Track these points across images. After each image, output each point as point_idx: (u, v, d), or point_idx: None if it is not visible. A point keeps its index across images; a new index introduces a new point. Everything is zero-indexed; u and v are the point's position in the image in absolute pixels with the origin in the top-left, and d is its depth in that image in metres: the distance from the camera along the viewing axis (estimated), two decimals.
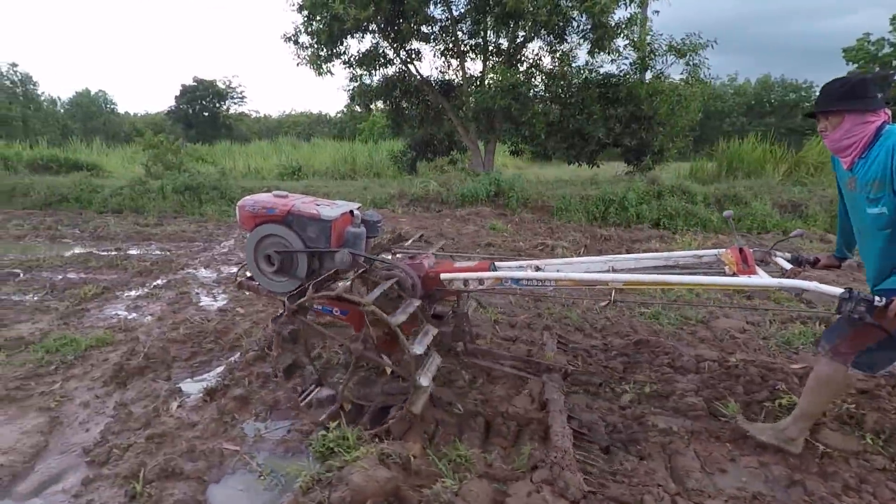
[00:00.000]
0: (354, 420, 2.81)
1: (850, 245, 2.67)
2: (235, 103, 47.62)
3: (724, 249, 2.71)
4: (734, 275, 2.53)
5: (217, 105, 46.21)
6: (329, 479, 2.26)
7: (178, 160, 15.80)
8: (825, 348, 2.43)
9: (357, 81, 14.82)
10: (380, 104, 15.60)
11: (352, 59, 14.02)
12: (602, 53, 12.85)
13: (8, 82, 40.02)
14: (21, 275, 6.37)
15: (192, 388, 3.44)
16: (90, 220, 11.01)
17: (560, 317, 4.78)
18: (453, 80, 15.30)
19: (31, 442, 2.83)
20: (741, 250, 2.54)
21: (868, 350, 2.36)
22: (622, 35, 12.34)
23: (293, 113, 51.42)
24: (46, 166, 16.47)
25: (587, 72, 13.81)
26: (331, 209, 3.01)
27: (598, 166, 15.77)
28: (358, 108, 16.21)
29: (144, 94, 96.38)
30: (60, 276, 6.31)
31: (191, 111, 44.69)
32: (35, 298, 5.40)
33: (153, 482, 2.43)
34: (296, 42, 13.32)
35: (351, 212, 3.13)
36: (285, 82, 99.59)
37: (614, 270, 2.79)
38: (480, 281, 2.84)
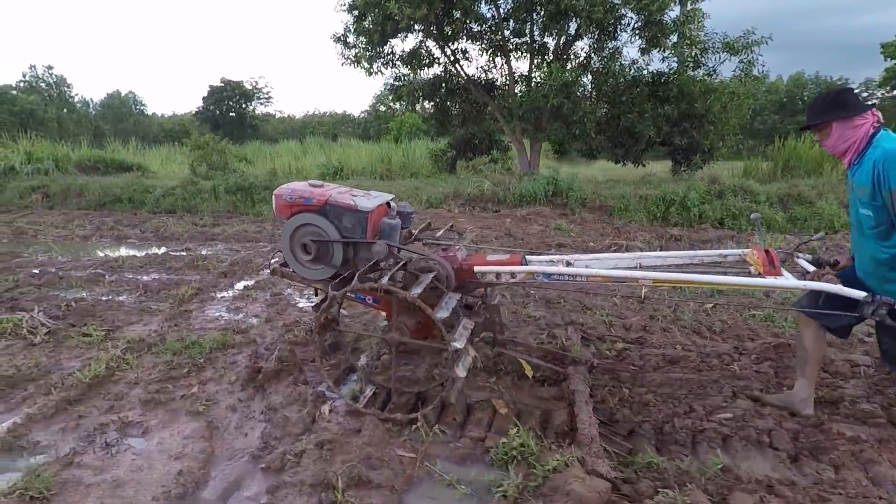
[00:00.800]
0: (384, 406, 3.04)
1: None
2: (262, 104, 48.12)
3: (747, 249, 2.78)
4: (759, 275, 2.60)
5: (244, 106, 46.69)
6: (540, 490, 2.19)
7: (222, 161, 15.92)
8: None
9: (402, 81, 14.81)
10: (424, 104, 15.50)
11: (397, 58, 13.99)
12: (654, 51, 12.63)
13: (44, 84, 40.91)
14: (106, 276, 6.42)
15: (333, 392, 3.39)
16: (147, 221, 11.13)
17: (674, 318, 4.66)
18: (496, 80, 15.21)
19: (197, 447, 2.80)
20: (767, 252, 2.62)
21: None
22: (677, 32, 12.11)
23: (317, 113, 51.69)
24: (94, 167, 16.73)
25: (635, 69, 13.61)
26: (367, 200, 3.04)
27: (643, 165, 15.54)
28: (400, 107, 16.16)
29: (171, 95, 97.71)
30: (147, 277, 6.35)
31: (218, 112, 45.21)
32: (131, 299, 5.42)
33: (346, 491, 2.38)
34: (344, 42, 13.32)
35: (388, 203, 3.18)
36: (308, 82, 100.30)
37: (641, 267, 2.86)
38: (512, 274, 2.90)
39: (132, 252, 8.00)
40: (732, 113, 13.55)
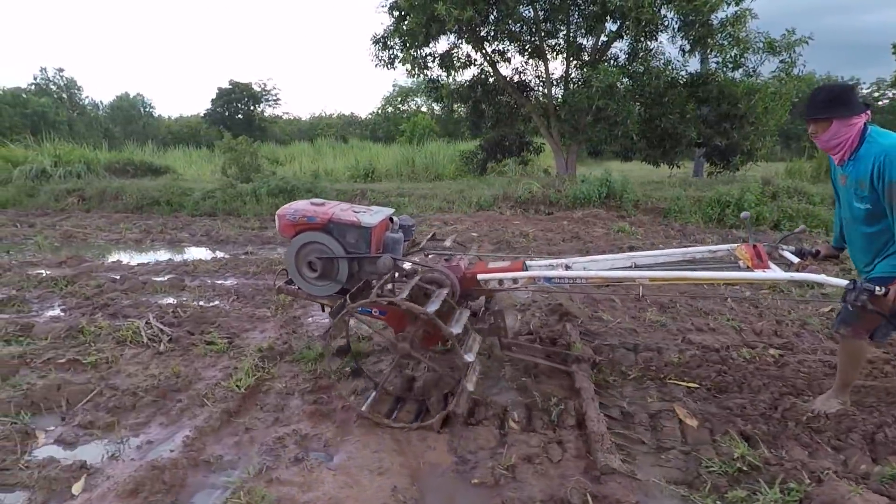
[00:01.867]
0: (390, 413, 3.06)
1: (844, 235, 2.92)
2: (270, 105, 47.99)
3: (736, 245, 2.90)
4: (748, 269, 2.71)
5: (251, 108, 46.59)
6: None
7: (254, 163, 15.81)
8: (847, 332, 2.73)
9: (440, 82, 14.74)
10: (459, 105, 15.42)
11: (432, 60, 13.90)
12: (696, 52, 12.56)
13: (54, 87, 40.78)
14: (186, 280, 6.31)
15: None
16: (190, 224, 11.02)
17: (802, 323, 4.55)
18: (530, 81, 15.15)
19: (396, 462, 2.67)
20: (755, 247, 2.74)
21: (876, 328, 2.68)
22: (724, 32, 12.03)
23: (323, 115, 51.57)
24: (124, 169, 16.60)
25: (672, 70, 13.54)
26: (370, 216, 3.14)
27: (678, 167, 15.48)
28: (438, 109, 16.05)
29: (177, 96, 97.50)
30: (230, 282, 6.23)
31: (226, 113, 45.08)
32: (230, 305, 5.31)
33: None
34: (384, 44, 13.22)
35: (390, 218, 3.29)
36: (312, 84, 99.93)
37: (636, 266, 2.96)
38: (515, 280, 3.02)
39: (197, 256, 7.88)
40: (773, 114, 13.50)
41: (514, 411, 3.06)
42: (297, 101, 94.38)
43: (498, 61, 14.18)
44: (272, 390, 3.45)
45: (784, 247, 2.97)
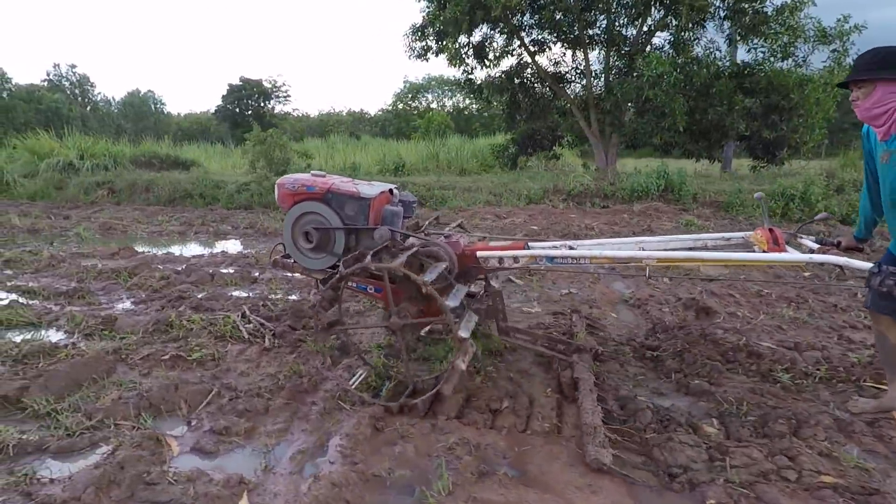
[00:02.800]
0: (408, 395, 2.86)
1: (871, 225, 2.71)
2: (280, 102, 47.67)
3: (751, 232, 2.77)
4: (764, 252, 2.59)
5: (262, 104, 46.28)
6: None
7: (283, 156, 15.45)
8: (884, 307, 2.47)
9: (471, 74, 14.37)
10: (495, 98, 15.03)
11: (466, 51, 13.52)
12: (750, 40, 12.14)
13: (67, 83, 40.56)
14: (255, 273, 5.95)
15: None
16: (229, 216, 10.68)
17: None
18: (565, 73, 14.76)
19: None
20: (771, 230, 2.63)
21: None
22: (779, 20, 11.61)
23: (333, 112, 51.26)
24: (149, 162, 16.27)
25: (718, 60, 13.12)
26: (370, 188, 3.05)
27: (718, 161, 15.06)
28: (473, 102, 15.65)
29: (187, 93, 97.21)
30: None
31: (237, 110, 44.80)
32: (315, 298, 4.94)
33: None
34: (422, 33, 12.84)
35: (390, 190, 3.18)
36: (320, 80, 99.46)
37: (644, 251, 2.82)
38: (515, 259, 2.90)
39: (250, 249, 7.51)
40: (822, 105, 13.06)
41: (711, 418, 2.68)
42: (305, 97, 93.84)
43: (536, 52, 13.79)
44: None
45: (803, 235, 2.82)
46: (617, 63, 13.75)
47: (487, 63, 13.59)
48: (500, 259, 2.96)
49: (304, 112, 51.50)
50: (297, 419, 2.80)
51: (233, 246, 7.92)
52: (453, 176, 15.86)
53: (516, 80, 14.21)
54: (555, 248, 2.99)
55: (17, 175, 14.33)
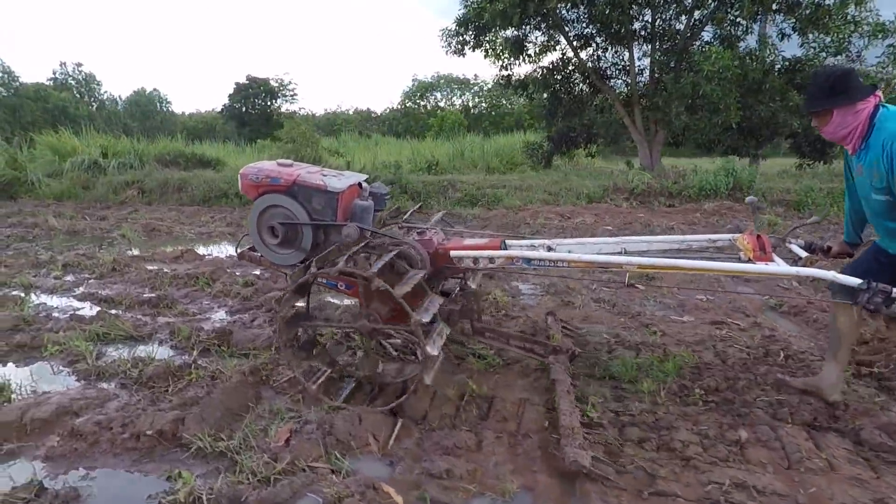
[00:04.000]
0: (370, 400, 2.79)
1: (859, 229, 2.68)
2: (287, 101, 47.16)
3: (738, 234, 2.66)
4: (749, 261, 2.51)
5: (269, 103, 45.78)
6: None
7: (314, 154, 15.01)
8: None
9: (505, 71, 13.96)
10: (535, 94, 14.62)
11: (504, 46, 13.11)
12: (809, 34, 11.75)
13: (73, 82, 40.00)
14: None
15: None
16: None
17: None
18: (607, 68, 14.36)
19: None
20: (759, 237, 2.53)
21: None
22: (840, 13, 11.23)
23: (339, 110, 50.81)
24: (174, 161, 15.76)
25: (771, 55, 12.73)
26: (338, 180, 2.90)
27: (764, 159, 14.68)
28: (508, 97, 15.19)
29: (191, 92, 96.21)
30: None
31: (244, 109, 44.29)
32: None
33: None
34: (467, 26, 12.40)
35: (359, 184, 3.02)
36: (324, 79, 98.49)
37: (626, 252, 2.75)
38: (491, 259, 2.79)
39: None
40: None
41: None
42: (310, 96, 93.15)
43: (580, 47, 13.38)
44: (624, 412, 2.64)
45: (792, 240, 2.71)
46: (662, 58, 13.32)
47: (528, 58, 13.15)
48: (475, 259, 2.82)
49: (310, 111, 51.04)
50: (514, 457, 2.37)
51: None
52: (480, 174, 15.42)
53: (558, 76, 13.78)
54: (533, 248, 2.88)
55: (40, 174, 13.84)
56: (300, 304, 2.91)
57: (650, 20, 13.26)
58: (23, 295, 5.14)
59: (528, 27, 13.01)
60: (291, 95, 47.66)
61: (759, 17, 12.01)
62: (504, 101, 45.33)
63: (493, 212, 9.81)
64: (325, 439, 2.43)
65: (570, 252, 2.79)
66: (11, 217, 10.66)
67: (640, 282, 5.12)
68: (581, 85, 14.27)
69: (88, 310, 4.77)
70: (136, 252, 7.13)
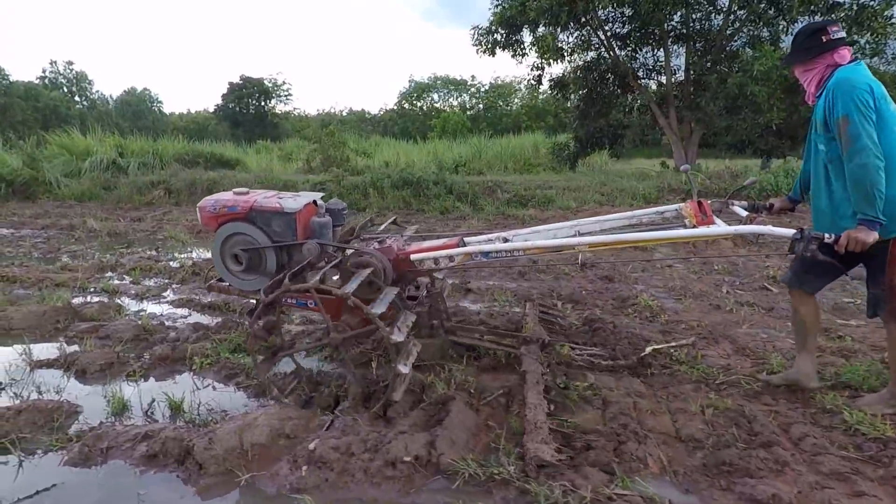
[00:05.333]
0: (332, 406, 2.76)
1: (805, 188, 2.73)
2: (282, 101, 46.53)
3: (683, 204, 2.73)
4: (694, 227, 2.61)
5: (263, 103, 45.13)
6: None
7: (340, 155, 14.68)
8: (884, 315, 2.41)
9: (540, 68, 13.77)
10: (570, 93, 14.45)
11: (531, 45, 12.92)
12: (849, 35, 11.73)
13: (64, 80, 38.96)
14: (452, 281, 5.23)
15: None
16: None
17: None
18: (638, 68, 14.26)
19: None
20: (700, 203, 2.63)
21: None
22: (882, 15, 11.24)
23: (333, 111, 50.33)
24: (193, 161, 15.30)
25: None
26: (293, 201, 2.97)
27: (799, 159, 14.69)
28: (552, 95, 15.00)
29: (182, 92, 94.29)
30: (513, 284, 5.18)
31: (238, 109, 43.58)
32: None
33: None
34: (509, 25, 12.18)
35: (314, 202, 3.09)
36: (316, 80, 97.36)
37: (580, 233, 2.81)
38: (451, 258, 2.82)
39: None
40: None
41: None
42: (302, 96, 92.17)
43: (618, 47, 13.25)
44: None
45: (735, 202, 2.82)
46: (698, 58, 13.25)
47: (562, 58, 12.98)
48: (436, 260, 2.85)
49: (304, 111, 50.46)
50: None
51: None
52: (510, 175, 15.22)
53: (594, 75, 13.64)
54: (490, 241, 2.93)
55: (58, 174, 13.29)
56: (274, 336, 2.85)
57: (684, 20, 13.17)
58: (116, 301, 4.78)
59: (563, 26, 12.85)
60: (286, 96, 47.13)
61: (803, 17, 11.96)
62: (500, 103, 45.37)
63: (548, 213, 9.58)
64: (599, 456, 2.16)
65: (525, 241, 2.83)
66: (40, 219, 10.18)
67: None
68: (612, 85, 14.13)
69: (199, 317, 4.44)
70: (205, 254, 6.79)
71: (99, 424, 2.65)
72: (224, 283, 3.19)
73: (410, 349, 2.65)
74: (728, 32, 12.98)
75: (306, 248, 2.83)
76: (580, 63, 13.64)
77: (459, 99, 47.91)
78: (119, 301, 4.82)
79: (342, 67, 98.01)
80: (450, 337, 3.30)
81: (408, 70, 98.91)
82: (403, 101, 47.36)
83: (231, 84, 43.50)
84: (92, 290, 5.32)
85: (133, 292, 5.16)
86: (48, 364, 3.43)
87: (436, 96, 48.82)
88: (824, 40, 2.35)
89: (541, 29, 12.36)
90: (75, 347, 3.69)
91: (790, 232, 2.19)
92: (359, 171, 13.67)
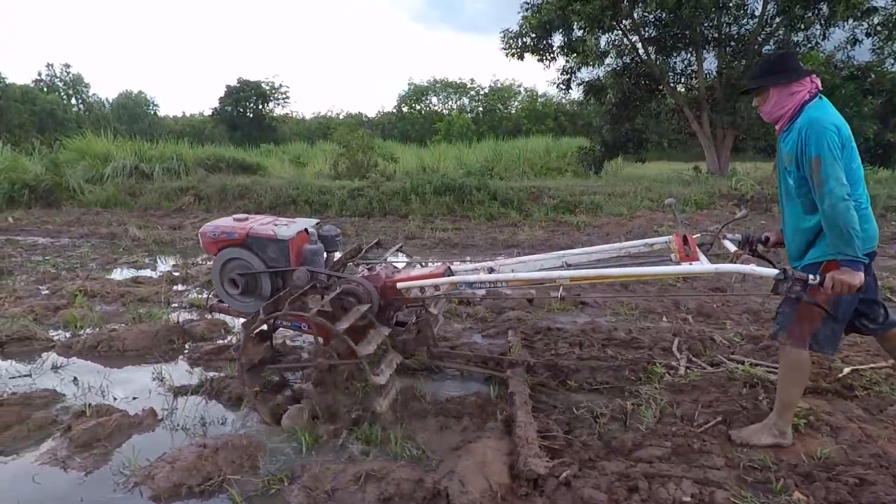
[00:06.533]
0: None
1: None
2: (280, 104, 46.05)
3: (671, 236, 2.69)
4: (678, 263, 2.58)
5: (261, 106, 44.64)
6: None
7: (368, 159, 14.44)
8: (783, 337, 2.37)
9: (570, 72, 13.67)
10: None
11: (562, 48, 12.84)
12: (888, 40, 11.80)
13: (61, 83, 38.24)
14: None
15: None
16: (359, 225, 9.67)
17: None
18: (667, 72, 14.22)
19: None
20: (685, 237, 2.58)
21: (817, 331, 2.31)
22: None
23: (330, 114, 49.99)
24: (216, 166, 14.95)
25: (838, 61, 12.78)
26: (287, 228, 3.08)
27: None
28: (586, 99, 14.89)
29: (177, 95, 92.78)
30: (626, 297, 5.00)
31: (235, 112, 43.06)
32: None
33: None
34: (542, 29, 12.05)
35: (306, 230, 3.18)
36: (311, 83, 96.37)
37: (567, 265, 2.83)
38: (436, 287, 2.83)
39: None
40: None
41: None
42: (295, 100, 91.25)
43: (653, 50, 13.19)
44: None
45: (728, 235, 2.73)
46: (732, 62, 13.23)
47: (602, 62, 12.90)
48: (422, 288, 2.86)
49: (300, 114, 50.01)
50: None
51: (446, 260, 6.94)
52: (534, 180, 15.08)
53: (628, 79, 13.56)
54: (476, 272, 2.94)
55: (80, 180, 12.91)
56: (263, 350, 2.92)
57: (716, 24, 13.14)
58: (217, 317, 4.52)
59: (608, 29, 12.74)
60: (283, 98, 46.63)
61: (841, 22, 11.97)
62: (500, 106, 45.35)
63: (600, 219, 9.44)
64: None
65: (512, 272, 2.84)
66: (73, 227, 9.83)
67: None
68: (643, 89, 14.07)
69: None
70: None
71: (301, 463, 2.42)
72: (224, 305, 3.31)
73: (392, 360, 2.73)
74: (761, 38, 12.98)
75: (296, 276, 2.90)
76: (614, 67, 13.52)
77: (459, 102, 47.86)
78: (220, 317, 4.56)
79: (334, 70, 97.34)
80: (435, 362, 3.34)
81: (400, 72, 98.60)
82: (402, 104, 47.13)
83: (228, 87, 42.92)
84: (177, 304, 5.07)
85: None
86: (191, 391, 3.19)
87: (434, 99, 48.68)
88: (803, 65, 2.37)
89: (577, 32, 12.27)
90: (213, 373, 3.45)
91: (773, 272, 2.15)
92: (387, 177, 13.46)
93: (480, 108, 45.03)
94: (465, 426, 2.73)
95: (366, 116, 49.58)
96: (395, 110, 46.63)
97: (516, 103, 44.61)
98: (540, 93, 43.14)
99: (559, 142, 20.70)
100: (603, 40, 13.55)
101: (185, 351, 3.91)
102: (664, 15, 11.73)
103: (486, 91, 45.76)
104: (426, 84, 46.86)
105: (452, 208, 10.55)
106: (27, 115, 32.43)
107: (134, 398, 3.17)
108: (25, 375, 3.50)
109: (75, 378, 3.44)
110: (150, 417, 2.87)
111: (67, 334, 4.27)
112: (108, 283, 5.66)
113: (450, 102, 47.26)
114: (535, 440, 2.37)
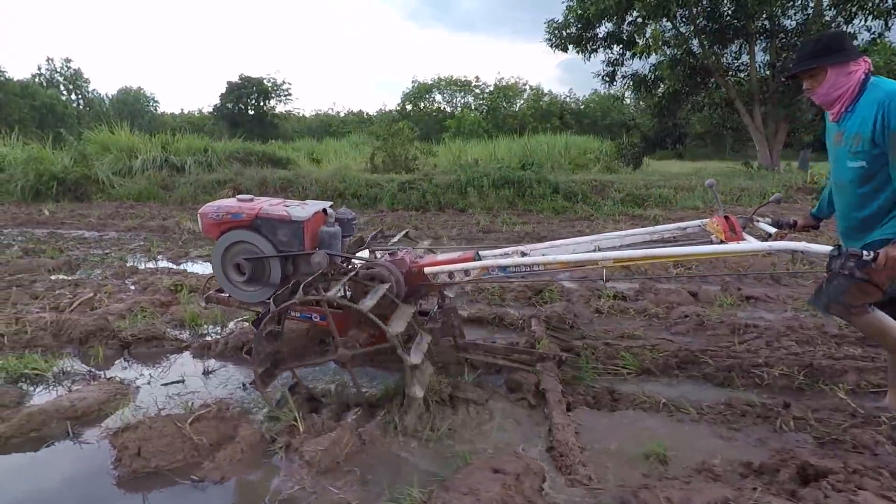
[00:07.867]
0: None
1: (832, 205, 2.59)
2: (282, 101, 45.38)
3: (707, 220, 2.67)
4: (722, 242, 2.50)
5: (262, 103, 43.97)
6: None
7: (406, 153, 13.92)
8: (840, 310, 2.33)
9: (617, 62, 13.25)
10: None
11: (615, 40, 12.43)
12: None
13: (61, 78, 37.33)
14: (596, 288, 4.58)
15: None
16: (418, 219, 9.16)
17: None
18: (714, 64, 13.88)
19: None
20: (727, 218, 2.53)
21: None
22: None
23: (331, 112, 49.45)
24: (245, 159, 14.37)
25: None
26: (302, 209, 2.80)
27: None
28: (636, 91, 14.49)
29: (177, 91, 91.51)
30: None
31: (237, 109, 42.36)
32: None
33: None
34: (599, 18, 11.62)
35: (324, 210, 2.91)
36: (312, 80, 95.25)
37: (600, 249, 2.68)
38: (466, 272, 2.73)
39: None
40: None
41: None
42: (298, 97, 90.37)
43: (711, 43, 12.81)
44: None
45: (759, 218, 2.69)
46: (778, 53, 12.88)
47: (664, 51, 12.49)
48: (451, 273, 2.75)
49: (302, 111, 49.39)
50: None
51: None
52: (566, 173, 14.64)
53: (680, 70, 13.17)
54: (507, 255, 2.77)
55: (109, 173, 12.27)
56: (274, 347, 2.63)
57: (770, 16, 12.80)
58: None
59: (672, 16, 12.33)
60: (285, 95, 45.94)
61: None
62: (504, 104, 44.96)
63: (676, 213, 9.00)
64: None
65: (544, 255, 2.67)
66: (114, 220, 9.21)
67: None
68: (693, 82, 13.69)
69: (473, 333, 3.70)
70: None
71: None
72: (223, 294, 2.98)
73: (424, 370, 2.47)
74: (814, 29, 12.64)
75: (314, 260, 2.64)
76: (670, 57, 13.12)
77: (464, 100, 47.54)
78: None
79: (331, 69, 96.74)
80: (462, 354, 3.12)
81: (398, 71, 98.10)
82: (407, 102, 46.71)
83: (230, 83, 42.24)
84: None
85: None
86: None
87: (439, 97, 48.33)
88: (854, 44, 2.22)
89: (628, 22, 11.86)
90: None
91: (827, 249, 2.09)
92: (424, 172, 12.96)
93: (485, 107, 44.66)
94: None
95: (367, 114, 49.08)
96: (398, 108, 46.15)
97: (521, 101, 44.29)
98: (545, 91, 42.64)
99: (574, 139, 20.30)
100: (648, 31, 13.16)
101: None
102: (726, 3, 11.34)
103: (491, 89, 45.42)
104: (430, 82, 46.46)
105: (513, 202, 10.06)
106: (27, 110, 31.59)
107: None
108: (179, 381, 2.97)
109: (243, 384, 2.91)
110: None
111: (187, 333, 3.75)
112: (201, 278, 5.11)
113: (455, 100, 46.90)
114: (574, 444, 2.22)
